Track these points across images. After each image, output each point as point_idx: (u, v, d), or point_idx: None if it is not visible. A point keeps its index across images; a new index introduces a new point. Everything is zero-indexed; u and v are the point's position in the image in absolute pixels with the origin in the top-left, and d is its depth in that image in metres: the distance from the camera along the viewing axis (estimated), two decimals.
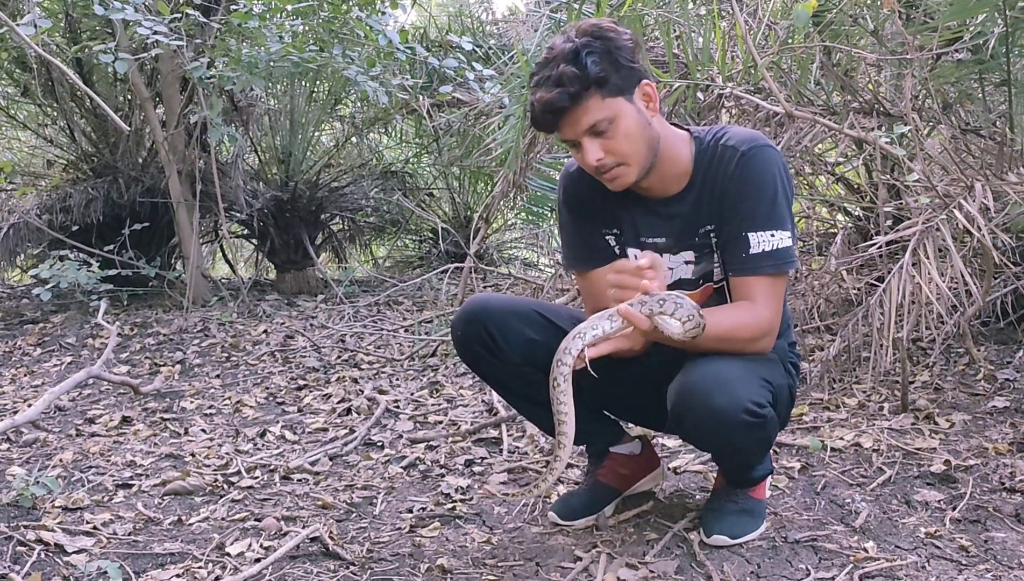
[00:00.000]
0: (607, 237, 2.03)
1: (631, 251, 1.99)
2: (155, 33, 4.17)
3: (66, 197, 5.78)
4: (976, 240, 2.67)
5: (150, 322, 5.15)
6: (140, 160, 6.25)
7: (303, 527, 2.23)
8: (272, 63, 4.52)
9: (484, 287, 5.72)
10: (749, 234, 1.81)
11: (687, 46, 3.65)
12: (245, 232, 6.94)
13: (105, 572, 2.01)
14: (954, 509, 2.09)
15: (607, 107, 1.77)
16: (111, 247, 5.49)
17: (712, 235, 1.89)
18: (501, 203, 5.04)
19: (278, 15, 4.63)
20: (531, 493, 1.91)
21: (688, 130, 1.94)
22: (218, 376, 4.05)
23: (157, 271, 5.64)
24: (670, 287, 1.96)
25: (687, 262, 1.94)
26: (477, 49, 5.39)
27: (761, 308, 1.82)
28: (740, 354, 1.82)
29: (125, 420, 3.41)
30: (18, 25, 3.64)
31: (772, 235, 1.81)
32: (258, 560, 2.06)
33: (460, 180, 7.53)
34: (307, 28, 4.75)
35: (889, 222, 3.51)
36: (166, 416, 3.43)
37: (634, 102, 1.81)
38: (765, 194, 1.81)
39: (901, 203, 3.40)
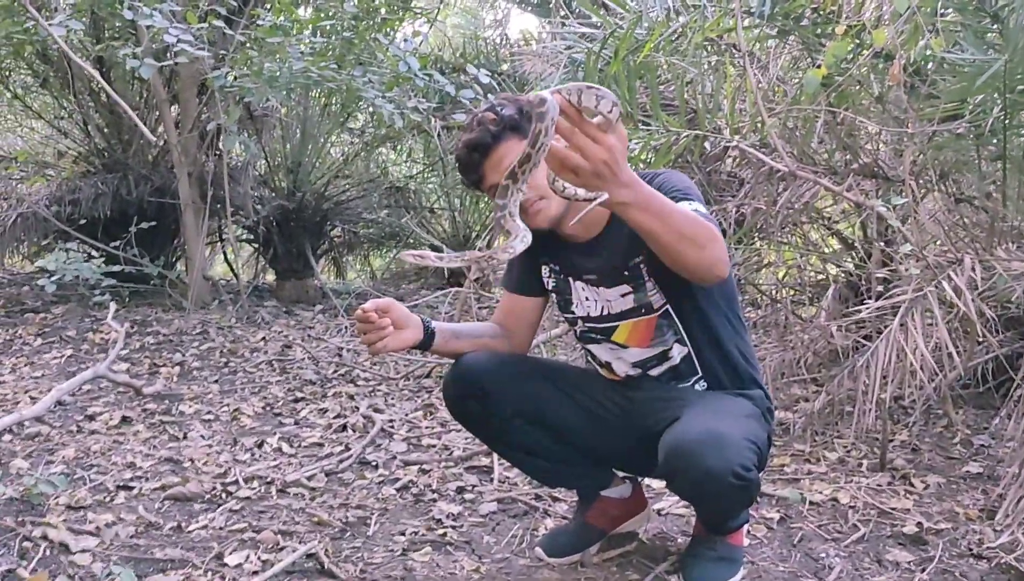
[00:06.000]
0: (548, 266, 2.18)
1: (576, 284, 2.12)
2: (180, 41, 4.26)
3: (75, 189, 5.86)
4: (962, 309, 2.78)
5: (150, 320, 5.23)
6: (151, 158, 6.33)
7: (299, 542, 2.32)
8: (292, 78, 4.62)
9: (478, 310, 5.80)
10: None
11: (698, 96, 3.76)
12: (249, 237, 7.02)
13: (113, 574, 2.09)
14: (923, 571, 2.18)
15: (523, 148, 1.87)
16: (117, 243, 5.57)
17: (642, 266, 2.00)
18: None
19: (301, 31, 4.73)
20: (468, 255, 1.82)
21: None
22: (216, 381, 4.12)
23: (160, 270, 5.71)
24: (613, 319, 2.08)
25: (623, 295, 2.05)
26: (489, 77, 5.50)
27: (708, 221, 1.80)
28: (696, 262, 1.72)
29: (125, 420, 3.48)
30: (51, 25, 3.74)
31: (692, 207, 1.81)
32: (255, 573, 2.14)
33: (463, 199, 7.65)
34: (328, 46, 4.85)
35: (881, 276, 3.63)
36: (165, 419, 3.51)
37: None
38: (683, 187, 1.91)
39: (893, 268, 3.51)
